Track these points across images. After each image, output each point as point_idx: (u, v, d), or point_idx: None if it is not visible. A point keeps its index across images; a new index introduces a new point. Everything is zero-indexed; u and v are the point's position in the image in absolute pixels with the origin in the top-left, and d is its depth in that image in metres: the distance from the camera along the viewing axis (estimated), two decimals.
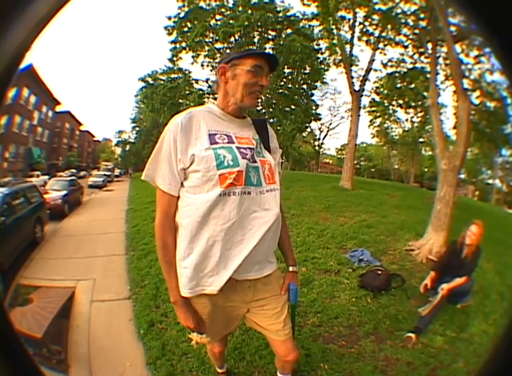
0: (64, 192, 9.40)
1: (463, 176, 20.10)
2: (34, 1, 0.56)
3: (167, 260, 1.35)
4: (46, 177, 14.56)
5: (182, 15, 13.59)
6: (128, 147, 25.04)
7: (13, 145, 17.28)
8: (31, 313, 3.04)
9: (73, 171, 21.05)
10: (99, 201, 12.25)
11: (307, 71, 14.52)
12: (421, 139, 20.15)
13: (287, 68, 14.06)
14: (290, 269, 1.62)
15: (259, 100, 1.41)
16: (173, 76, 14.86)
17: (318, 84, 16.18)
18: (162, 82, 14.66)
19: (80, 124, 26.30)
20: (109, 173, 21.93)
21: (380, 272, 3.83)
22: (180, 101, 13.06)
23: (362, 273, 3.99)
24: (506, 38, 0.53)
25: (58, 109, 22.24)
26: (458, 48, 8.07)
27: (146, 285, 3.75)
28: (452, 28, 6.36)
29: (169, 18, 13.81)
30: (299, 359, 2.24)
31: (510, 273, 4.54)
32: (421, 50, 9.83)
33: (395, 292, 3.66)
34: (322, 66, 14.81)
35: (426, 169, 24.75)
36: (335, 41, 11.69)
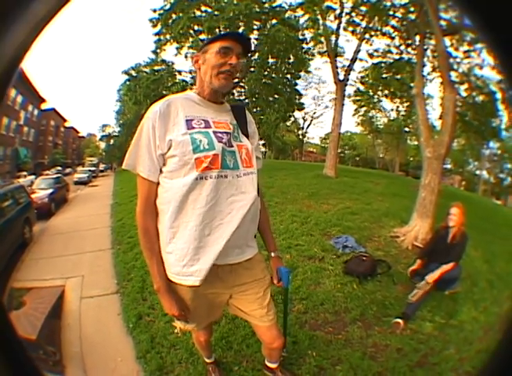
0: (50, 190, 9.39)
1: (449, 166, 20.41)
2: (33, 1, 0.55)
3: (148, 247, 1.35)
4: (33, 177, 14.42)
5: (167, 7, 13.43)
6: (112, 141, 24.81)
7: (1, 147, 17.03)
8: (25, 316, 3.02)
9: (59, 168, 20.83)
10: (85, 197, 12.19)
11: (291, 61, 14.53)
12: (407, 129, 20.33)
13: (271, 58, 14.05)
14: (273, 254, 1.65)
15: (232, 81, 1.40)
16: (156, 68, 14.73)
17: (302, 73, 16.23)
18: (145, 74, 14.52)
19: (64, 120, 25.94)
20: (93, 168, 21.94)
21: (364, 258, 3.84)
22: (164, 92, 12.95)
23: (347, 260, 3.99)
24: (503, 34, 0.52)
25: (43, 106, 21.92)
26: (448, 41, 8.14)
27: (133, 278, 3.75)
28: (443, 22, 6.40)
29: (154, 10, 13.67)
30: (286, 347, 2.27)
31: (499, 262, 4.61)
32: (408, 42, 9.79)
33: (381, 278, 3.67)
34: (307, 56, 14.79)
35: (411, 158, 25.01)
36: (320, 31, 11.65)
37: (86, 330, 2.89)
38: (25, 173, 16.86)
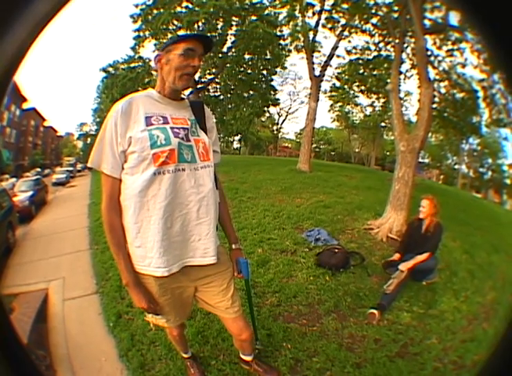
0: (30, 193, 9.19)
1: (427, 160, 20.72)
2: (32, 3, 0.56)
3: (115, 242, 1.39)
4: (14, 179, 14.00)
5: (150, 1, 13.26)
6: (89, 140, 24.49)
7: None
8: (15, 321, 3.00)
9: (39, 170, 20.28)
10: (63, 198, 11.99)
11: (267, 57, 14.49)
12: (383, 124, 20.53)
13: (248, 54, 14.03)
14: (233, 246, 1.70)
15: (192, 81, 1.51)
16: (133, 65, 14.52)
17: (278, 69, 16.19)
18: (122, 72, 14.33)
19: (44, 119, 25.23)
20: (71, 169, 21.43)
21: (336, 250, 3.87)
22: (140, 89, 12.87)
23: (319, 252, 4.01)
24: (497, 28, 0.56)
25: (24, 106, 21.27)
26: (431, 40, 8.22)
27: (111, 277, 3.74)
28: (427, 22, 6.47)
29: (136, 6, 13.46)
30: (261, 340, 2.31)
31: (480, 253, 4.67)
32: (388, 39, 9.69)
33: (355, 270, 3.70)
34: (283, 52, 14.73)
35: (387, 152, 25.08)
36: (298, 28, 11.62)
37: (71, 331, 2.90)
38: (7, 176, 16.37)
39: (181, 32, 13.03)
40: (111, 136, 1.32)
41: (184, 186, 1.38)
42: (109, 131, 1.33)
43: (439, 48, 9.05)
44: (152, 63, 14.17)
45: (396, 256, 3.66)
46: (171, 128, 1.39)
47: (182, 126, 1.43)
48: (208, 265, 1.47)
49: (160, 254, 1.35)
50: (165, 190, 1.33)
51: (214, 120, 1.67)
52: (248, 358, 2.01)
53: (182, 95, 1.54)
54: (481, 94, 10.05)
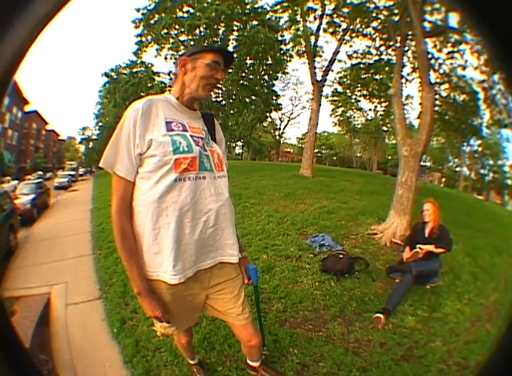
0: (32, 196, 9.16)
1: (428, 164, 20.74)
2: (32, 3, 0.56)
3: (126, 248, 1.34)
4: (16, 182, 14.00)
5: (151, 6, 13.36)
6: (91, 145, 24.62)
7: None
8: (17, 324, 2.99)
9: (40, 173, 20.31)
10: (65, 202, 11.97)
11: (269, 62, 14.62)
12: (385, 128, 20.49)
13: (249, 59, 14.16)
14: (240, 255, 1.67)
15: (212, 92, 1.52)
16: (135, 70, 14.59)
17: (279, 74, 16.36)
18: (124, 77, 14.38)
19: (46, 123, 25.31)
20: (73, 173, 21.41)
21: (341, 256, 3.87)
22: (142, 95, 12.90)
23: (324, 258, 4.02)
24: (498, 28, 0.56)
25: (26, 109, 21.30)
26: (431, 43, 8.22)
27: (114, 283, 3.73)
28: (427, 24, 6.48)
29: (138, 10, 13.56)
30: (267, 345, 2.30)
31: (483, 255, 4.67)
32: (389, 43, 9.63)
33: (359, 275, 3.70)
34: (285, 58, 14.85)
35: (389, 157, 24.97)
36: (300, 33, 11.66)
37: (74, 336, 2.87)
38: (9, 178, 16.34)
39: (182, 37, 13.15)
40: (128, 136, 1.29)
41: (204, 194, 1.37)
42: (127, 131, 1.29)
43: (439, 50, 9.03)
44: (154, 68, 14.25)
45: (407, 250, 3.68)
46: (191, 136, 1.39)
47: (199, 135, 1.44)
48: (229, 263, 1.51)
49: (178, 259, 1.33)
50: (185, 197, 1.31)
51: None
52: (255, 364, 1.99)
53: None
54: (481, 95, 10.10)
